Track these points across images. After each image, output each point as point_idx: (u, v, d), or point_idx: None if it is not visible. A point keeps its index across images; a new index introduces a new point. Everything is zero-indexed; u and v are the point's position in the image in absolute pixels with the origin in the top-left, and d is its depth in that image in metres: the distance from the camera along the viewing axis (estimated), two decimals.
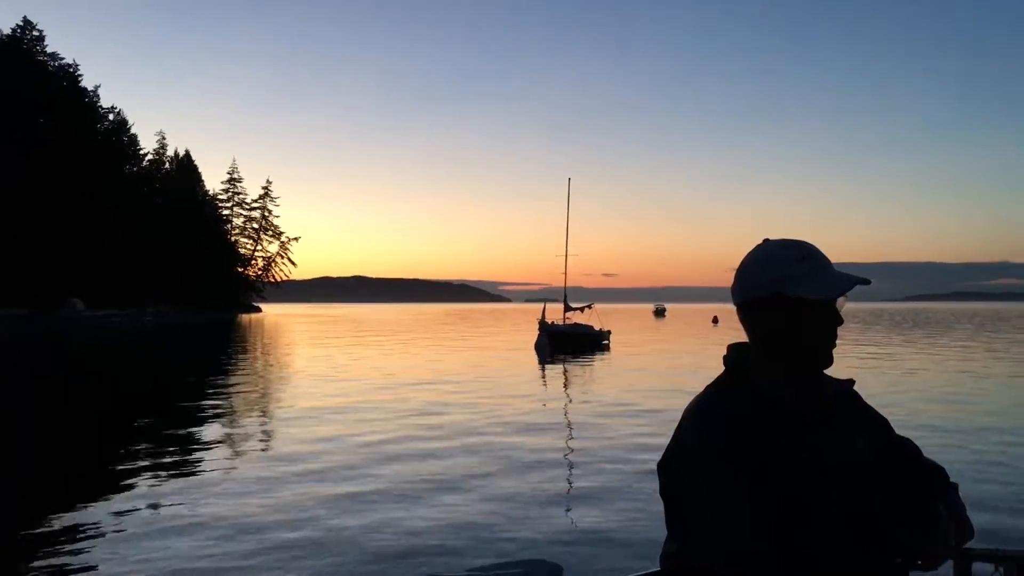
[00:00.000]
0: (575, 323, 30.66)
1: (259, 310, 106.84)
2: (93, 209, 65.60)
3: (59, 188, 63.05)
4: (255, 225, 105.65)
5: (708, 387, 1.23)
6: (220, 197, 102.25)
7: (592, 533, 5.18)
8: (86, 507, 5.94)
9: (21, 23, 69.79)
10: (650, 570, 1.26)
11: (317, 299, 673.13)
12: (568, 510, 5.80)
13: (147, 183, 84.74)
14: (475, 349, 28.00)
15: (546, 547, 4.86)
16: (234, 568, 4.53)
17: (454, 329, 48.45)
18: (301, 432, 9.32)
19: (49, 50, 72.59)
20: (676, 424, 1.22)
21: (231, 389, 14.47)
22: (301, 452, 8.02)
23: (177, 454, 8.03)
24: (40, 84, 66.42)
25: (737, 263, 1.27)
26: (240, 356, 24.47)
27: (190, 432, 9.46)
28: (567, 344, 26.29)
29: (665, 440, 1.24)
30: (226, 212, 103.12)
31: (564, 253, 34.30)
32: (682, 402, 1.25)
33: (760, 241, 1.26)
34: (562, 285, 33.77)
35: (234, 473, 7.12)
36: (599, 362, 21.70)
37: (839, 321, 1.20)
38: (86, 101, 74.83)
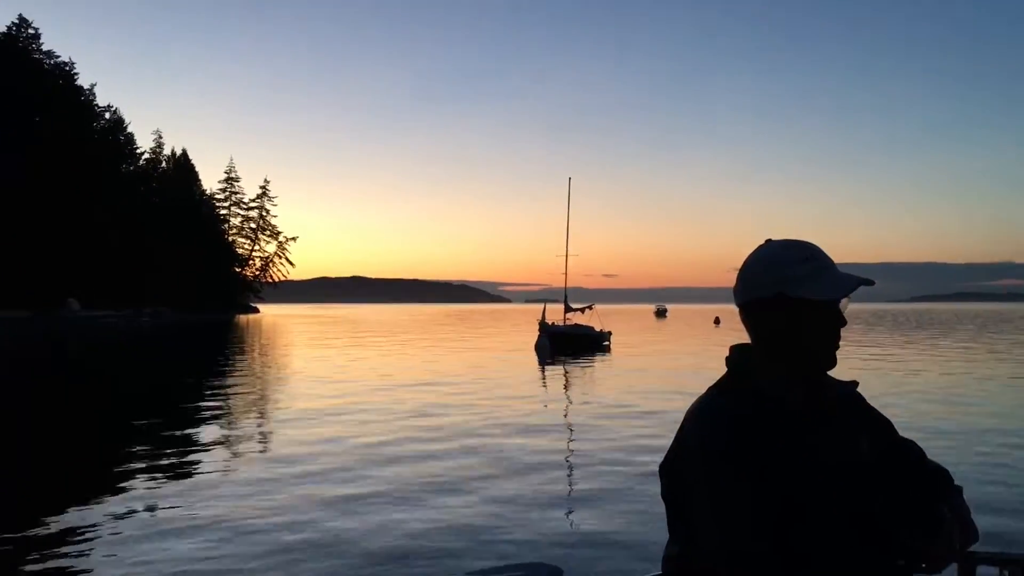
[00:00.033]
0: (575, 324, 30.60)
1: (257, 310, 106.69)
2: (90, 208, 65.53)
3: (55, 187, 63.04)
4: (253, 225, 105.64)
5: (710, 388, 1.22)
6: (217, 196, 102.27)
7: (593, 536, 5.17)
8: (84, 509, 5.92)
9: (16, 21, 69.95)
10: (652, 573, 1.25)
11: (315, 299, 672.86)
12: (568, 512, 5.79)
13: (144, 182, 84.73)
14: (475, 350, 27.99)
15: (546, 550, 4.85)
16: (233, 571, 4.51)
17: (453, 330, 48.44)
18: (299, 434, 9.30)
19: (45, 48, 72.83)
20: (677, 426, 1.22)
21: (229, 390, 14.45)
22: (299, 454, 8.01)
23: (175, 456, 8.01)
24: (36, 82, 66.42)
25: (739, 263, 1.26)
26: (238, 357, 24.44)
27: (188, 433, 9.43)
28: (567, 345, 26.28)
29: (666, 442, 1.23)
30: (223, 212, 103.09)
31: (564, 253, 34.34)
32: (683, 404, 1.24)
33: (762, 241, 1.26)
34: (562, 286, 33.80)
35: (232, 475, 7.10)
36: (600, 363, 21.69)
37: (842, 322, 1.19)
38: (82, 100, 74.89)
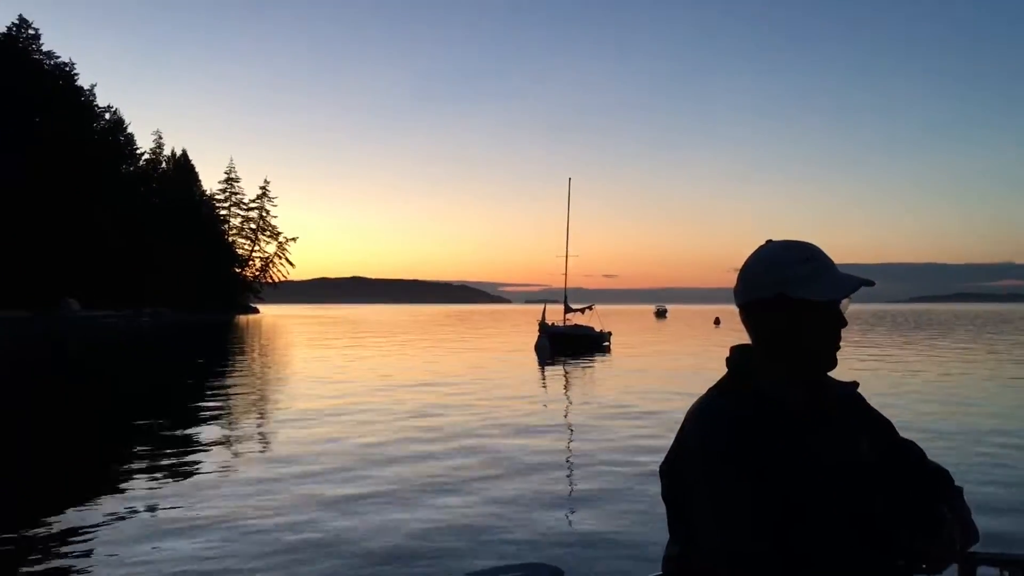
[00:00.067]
0: (575, 324, 30.58)
1: (256, 311, 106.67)
2: (89, 209, 65.50)
3: (55, 187, 62.99)
4: (252, 225, 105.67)
5: (711, 389, 1.23)
6: (217, 197, 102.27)
7: (593, 536, 5.16)
8: (84, 509, 5.92)
9: (16, 21, 69.90)
10: (652, 574, 1.25)
11: (315, 300, 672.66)
12: (569, 513, 5.78)
13: (144, 183, 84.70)
14: (474, 351, 27.98)
15: (547, 550, 4.85)
16: (233, 571, 4.51)
17: (453, 330, 48.43)
18: (299, 434, 9.30)
19: (45, 49, 72.74)
20: (678, 426, 1.23)
21: (229, 390, 14.45)
22: (300, 454, 8.00)
23: (175, 456, 8.00)
24: (36, 83, 66.38)
25: (739, 264, 1.26)
26: (238, 357, 24.44)
27: (188, 434, 9.43)
28: (567, 345, 26.27)
29: (666, 442, 1.23)
30: (223, 212, 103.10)
31: (564, 254, 34.32)
32: (683, 404, 1.24)
33: (763, 242, 1.26)
34: (562, 286, 33.76)
35: (233, 475, 7.10)
36: (599, 364, 21.68)
37: (843, 323, 1.19)
38: (82, 100, 74.86)
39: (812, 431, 1.15)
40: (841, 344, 1.21)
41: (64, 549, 4.94)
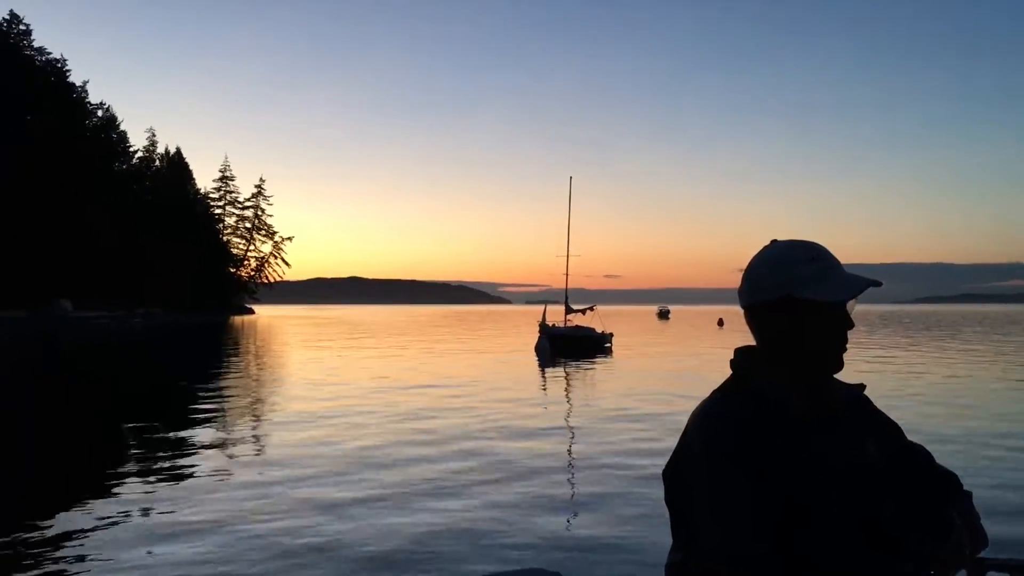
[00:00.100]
0: (576, 325, 30.47)
1: (252, 311, 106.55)
2: (82, 207, 65.21)
3: (47, 185, 62.59)
4: (248, 224, 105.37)
5: (714, 392, 1.22)
6: (212, 196, 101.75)
7: (594, 540, 5.14)
8: (78, 512, 5.88)
9: (7, 16, 69.29)
10: None
11: (311, 300, 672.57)
12: (569, 517, 5.76)
13: (137, 181, 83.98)
14: (474, 352, 27.97)
15: (547, 554, 4.83)
16: (229, 574, 4.48)
17: (452, 332, 48.41)
18: (295, 437, 9.27)
19: (36, 44, 72.23)
20: (680, 429, 1.22)
21: (223, 392, 14.40)
22: (295, 457, 7.97)
23: (170, 459, 7.97)
24: (27, 79, 65.91)
25: (743, 264, 1.26)
26: (232, 359, 24.38)
27: (183, 436, 9.38)
28: (568, 347, 26.23)
29: (668, 446, 1.22)
30: (218, 211, 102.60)
31: (565, 254, 34.20)
32: (686, 406, 1.23)
33: (767, 242, 1.25)
34: (563, 286, 33.65)
35: (228, 478, 7.06)
36: (601, 365, 21.64)
37: (849, 324, 1.17)
38: (74, 97, 74.34)
39: (815, 433, 1.14)
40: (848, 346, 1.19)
41: (57, 554, 4.90)
